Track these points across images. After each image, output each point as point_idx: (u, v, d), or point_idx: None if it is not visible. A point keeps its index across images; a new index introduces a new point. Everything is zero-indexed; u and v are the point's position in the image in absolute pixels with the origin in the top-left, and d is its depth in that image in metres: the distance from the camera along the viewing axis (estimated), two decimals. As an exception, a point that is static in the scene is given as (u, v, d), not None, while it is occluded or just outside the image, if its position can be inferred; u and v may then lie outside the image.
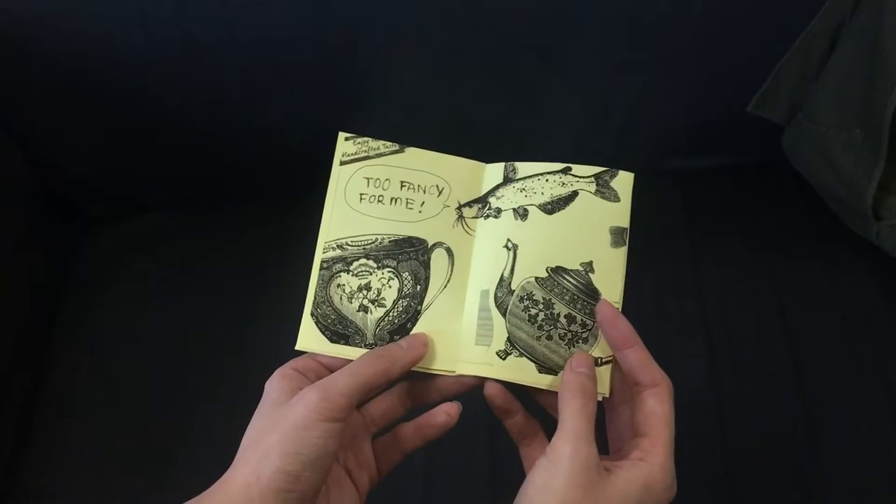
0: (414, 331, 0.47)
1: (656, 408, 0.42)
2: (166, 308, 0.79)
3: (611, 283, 0.46)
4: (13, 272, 0.74)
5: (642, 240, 0.77)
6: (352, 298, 0.47)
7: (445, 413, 0.46)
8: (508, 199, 0.48)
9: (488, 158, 0.50)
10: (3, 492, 0.69)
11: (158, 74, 0.71)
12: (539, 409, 0.48)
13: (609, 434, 0.46)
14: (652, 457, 0.41)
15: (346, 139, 0.49)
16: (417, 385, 0.48)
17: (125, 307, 0.79)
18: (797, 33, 0.68)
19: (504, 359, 0.46)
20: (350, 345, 0.46)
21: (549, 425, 0.47)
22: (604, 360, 0.45)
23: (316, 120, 0.76)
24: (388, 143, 0.49)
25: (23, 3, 0.66)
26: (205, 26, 0.67)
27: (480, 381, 0.46)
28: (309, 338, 0.46)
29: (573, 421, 0.40)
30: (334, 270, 0.47)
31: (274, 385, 0.42)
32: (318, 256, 0.47)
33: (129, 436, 0.71)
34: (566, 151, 0.82)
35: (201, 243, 0.83)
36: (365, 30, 0.69)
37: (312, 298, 0.47)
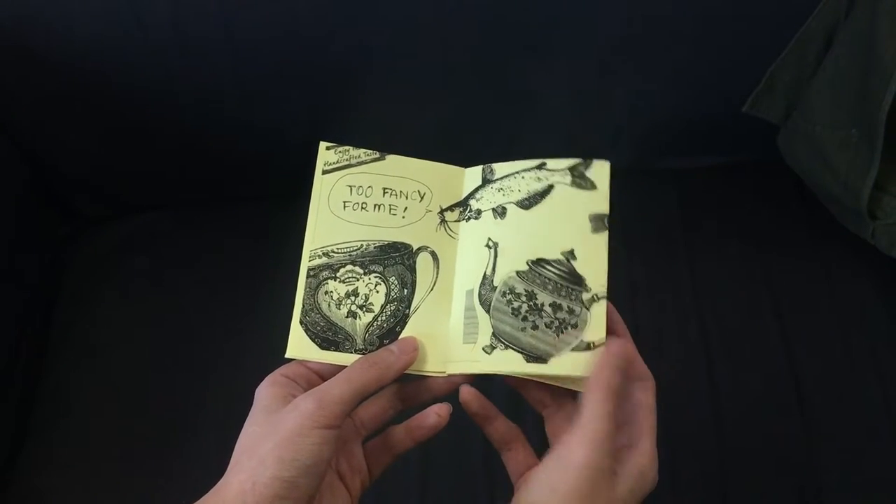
0: (403, 334, 0.47)
1: (643, 399, 0.43)
2: (163, 307, 0.79)
3: (595, 268, 0.46)
4: (10, 271, 0.74)
5: (638, 238, 0.78)
6: (340, 305, 0.47)
7: (436, 414, 0.47)
8: (487, 199, 0.48)
9: (482, 159, 0.50)
10: (1, 492, 0.69)
11: (155, 74, 0.71)
12: (527, 414, 0.48)
13: None
14: (641, 443, 0.41)
15: (328, 148, 0.49)
16: (408, 387, 0.48)
17: (122, 306, 0.79)
18: (792, 33, 0.68)
19: (490, 353, 0.46)
20: (340, 351, 0.47)
21: (532, 432, 0.48)
22: (596, 344, 0.44)
23: (311, 120, 0.76)
24: (369, 152, 0.49)
25: (20, 3, 0.66)
26: (201, 27, 0.68)
27: (471, 379, 0.46)
28: (299, 346, 0.47)
29: (595, 423, 0.39)
30: (321, 278, 0.47)
31: (265, 392, 0.43)
32: (305, 264, 0.48)
33: (126, 436, 0.72)
34: (560, 152, 0.82)
35: (197, 243, 0.83)
36: (360, 31, 0.69)
37: (301, 306, 0.47)
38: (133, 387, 0.74)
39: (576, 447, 0.39)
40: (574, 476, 0.38)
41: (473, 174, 0.50)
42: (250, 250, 0.82)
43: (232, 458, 0.41)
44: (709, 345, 0.73)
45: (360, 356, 0.46)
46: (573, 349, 0.44)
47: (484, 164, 0.50)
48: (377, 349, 0.46)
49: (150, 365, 0.76)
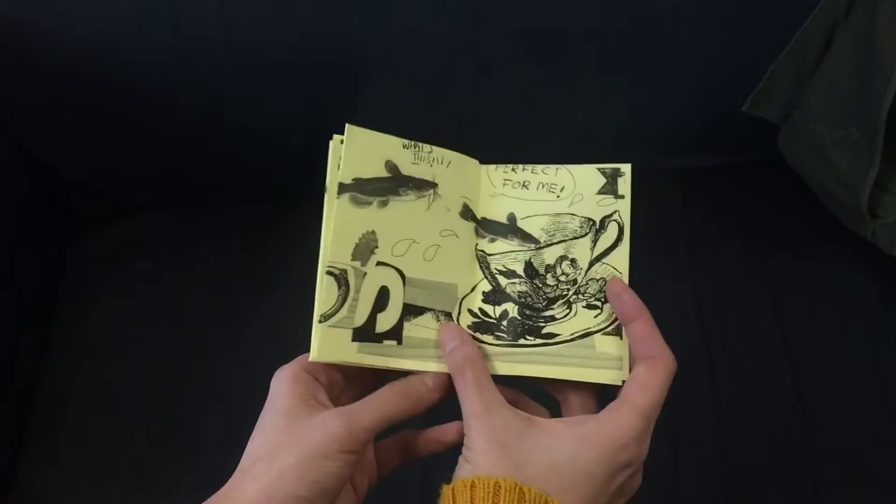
0: None
1: (641, 376, 0.41)
2: (164, 308, 0.79)
3: None
4: (10, 272, 0.74)
5: (639, 238, 0.78)
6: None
7: (456, 432, 0.45)
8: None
9: (482, 160, 0.50)
10: (2, 493, 0.69)
11: (155, 75, 0.71)
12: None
13: None
14: (608, 414, 0.40)
15: (342, 142, 0.44)
16: None
17: (123, 307, 0.79)
18: (792, 33, 0.68)
19: None
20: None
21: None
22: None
23: (311, 121, 0.76)
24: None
25: (20, 4, 0.66)
26: (201, 27, 0.68)
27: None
28: (326, 349, 0.42)
29: (467, 404, 0.40)
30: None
31: (285, 388, 0.41)
32: (324, 263, 0.43)
33: (126, 436, 0.71)
34: (560, 152, 0.82)
35: (198, 243, 0.83)
36: (362, 32, 0.69)
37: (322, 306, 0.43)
38: (133, 387, 0.74)
39: (469, 433, 0.40)
40: (482, 449, 0.38)
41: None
42: (251, 251, 0.82)
43: (245, 458, 0.40)
44: (709, 345, 0.73)
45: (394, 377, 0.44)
46: None
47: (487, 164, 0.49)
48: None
49: (151, 365, 0.75)
